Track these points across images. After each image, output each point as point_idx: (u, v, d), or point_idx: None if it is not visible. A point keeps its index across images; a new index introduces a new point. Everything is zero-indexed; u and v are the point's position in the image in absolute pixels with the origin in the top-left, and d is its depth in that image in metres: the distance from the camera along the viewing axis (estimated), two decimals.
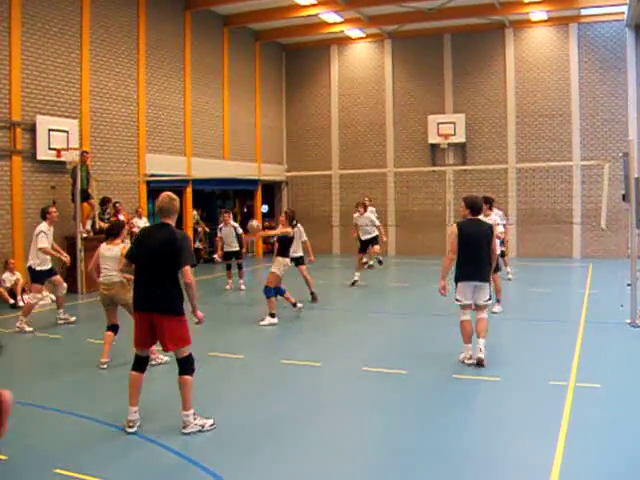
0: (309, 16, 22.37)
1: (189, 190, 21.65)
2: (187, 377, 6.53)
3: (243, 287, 16.79)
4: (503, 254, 16.33)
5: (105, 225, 17.02)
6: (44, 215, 12.19)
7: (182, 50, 21.29)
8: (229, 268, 17.05)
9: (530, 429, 6.54)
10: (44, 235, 11.96)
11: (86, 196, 16.43)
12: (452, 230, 9.06)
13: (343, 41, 26.16)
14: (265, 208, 26.84)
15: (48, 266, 12.22)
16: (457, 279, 8.91)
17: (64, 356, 9.96)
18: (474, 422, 6.81)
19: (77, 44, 17.10)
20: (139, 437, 6.34)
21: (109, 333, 9.24)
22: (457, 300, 8.96)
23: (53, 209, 12.34)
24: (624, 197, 11.46)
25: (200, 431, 6.49)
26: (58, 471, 5.54)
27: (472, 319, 8.91)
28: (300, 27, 24.54)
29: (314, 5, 21.56)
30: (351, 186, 25.08)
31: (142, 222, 18.90)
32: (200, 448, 6.12)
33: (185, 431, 6.45)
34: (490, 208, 12.66)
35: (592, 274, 18.61)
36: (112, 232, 9.63)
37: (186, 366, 6.56)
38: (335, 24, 23.80)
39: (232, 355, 9.69)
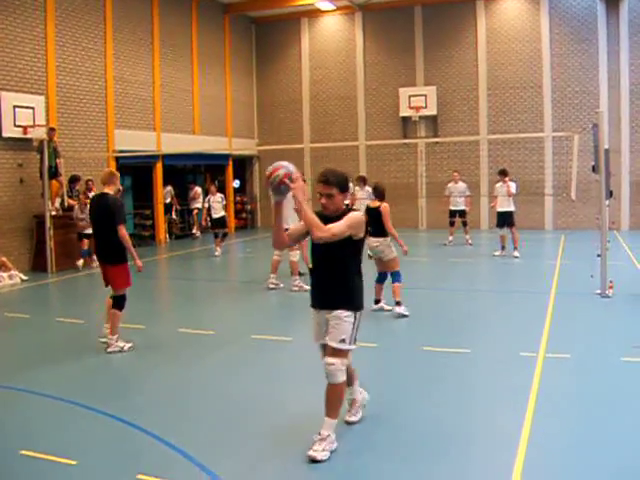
0: None
1: (159, 166, 21.43)
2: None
3: (217, 253, 18.30)
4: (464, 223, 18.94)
5: (74, 202, 16.82)
6: None
7: (150, 24, 20.89)
8: (217, 236, 18.59)
9: (499, 400, 6.59)
10: None
11: (54, 173, 16.18)
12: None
13: (313, 14, 25.87)
14: (237, 183, 26.61)
15: None
16: None
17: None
18: (443, 394, 6.83)
19: (41, 18, 16.68)
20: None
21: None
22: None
23: None
24: (594, 168, 11.53)
25: (120, 351, 8.26)
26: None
27: None
28: None
29: None
30: (322, 159, 24.95)
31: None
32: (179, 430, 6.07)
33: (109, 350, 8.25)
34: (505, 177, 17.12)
35: (563, 245, 18.77)
36: None
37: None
38: None
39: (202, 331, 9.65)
